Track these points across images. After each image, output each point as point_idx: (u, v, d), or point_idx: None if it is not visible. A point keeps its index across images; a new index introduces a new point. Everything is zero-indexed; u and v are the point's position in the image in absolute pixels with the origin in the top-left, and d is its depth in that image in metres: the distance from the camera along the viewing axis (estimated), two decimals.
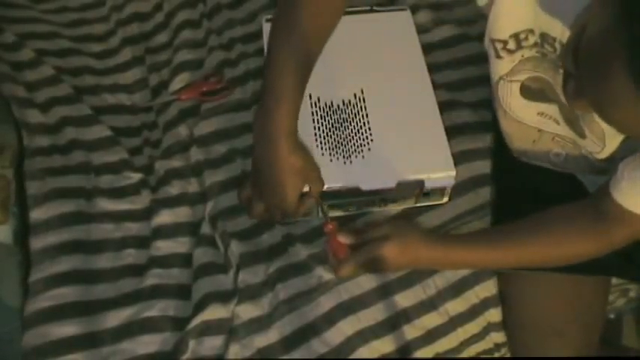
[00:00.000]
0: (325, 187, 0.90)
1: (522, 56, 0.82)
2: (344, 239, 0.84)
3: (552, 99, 0.85)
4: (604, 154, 0.84)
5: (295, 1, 0.82)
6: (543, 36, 0.78)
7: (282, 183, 0.83)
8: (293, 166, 0.82)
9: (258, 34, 1.14)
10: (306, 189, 0.87)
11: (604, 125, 0.78)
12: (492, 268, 0.94)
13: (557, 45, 0.77)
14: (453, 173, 0.93)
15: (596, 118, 0.77)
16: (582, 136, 0.84)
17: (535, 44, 0.80)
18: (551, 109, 0.87)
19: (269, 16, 1.15)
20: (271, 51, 0.83)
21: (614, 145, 0.81)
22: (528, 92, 0.87)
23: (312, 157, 0.88)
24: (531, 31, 0.78)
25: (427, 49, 1.14)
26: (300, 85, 0.83)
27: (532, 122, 0.91)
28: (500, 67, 0.85)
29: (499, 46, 0.82)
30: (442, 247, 0.83)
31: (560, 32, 0.74)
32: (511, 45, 0.81)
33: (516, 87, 0.87)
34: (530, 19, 0.77)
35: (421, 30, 1.15)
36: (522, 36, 0.80)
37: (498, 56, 0.84)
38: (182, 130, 1.10)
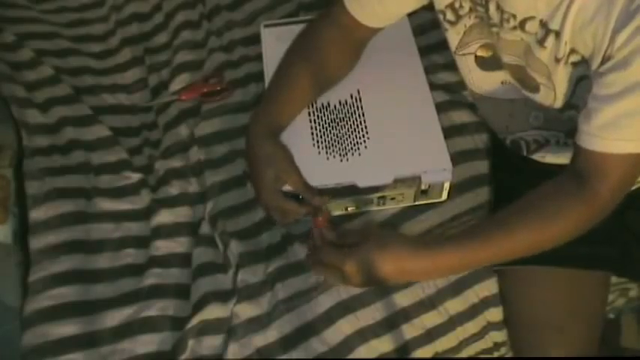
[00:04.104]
0: (322, 184, 0.91)
1: (465, 26, 0.84)
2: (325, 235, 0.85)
3: (504, 64, 0.86)
4: (559, 99, 0.83)
5: (319, 35, 0.94)
6: None
7: (253, 174, 0.91)
8: (258, 154, 0.89)
9: (258, 37, 1.15)
10: (287, 188, 0.89)
11: (544, 59, 0.77)
12: (486, 265, 0.92)
13: (483, 2, 0.79)
14: (450, 168, 0.94)
15: (535, 52, 0.77)
16: (536, 89, 0.84)
17: (470, 10, 0.82)
18: (508, 76, 0.88)
19: (267, 22, 1.15)
20: (283, 69, 0.95)
21: (560, 81, 0.79)
22: (484, 63, 0.88)
23: (286, 151, 0.91)
24: None
25: (426, 50, 1.14)
26: (294, 98, 0.95)
27: (498, 93, 0.91)
28: (451, 40, 0.88)
29: (441, 17, 0.86)
30: (423, 257, 0.79)
31: None
32: (450, 16, 0.84)
33: (471, 60, 0.88)
34: None
35: (419, 32, 1.15)
36: (457, 5, 0.83)
37: (446, 29, 0.87)
38: (182, 131, 1.10)
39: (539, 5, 0.73)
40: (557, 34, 0.73)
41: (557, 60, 0.76)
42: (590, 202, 0.76)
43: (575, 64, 0.76)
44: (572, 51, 0.74)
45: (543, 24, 0.74)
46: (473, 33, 0.85)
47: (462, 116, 1.09)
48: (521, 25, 0.76)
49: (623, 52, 0.66)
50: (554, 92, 0.82)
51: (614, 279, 1.01)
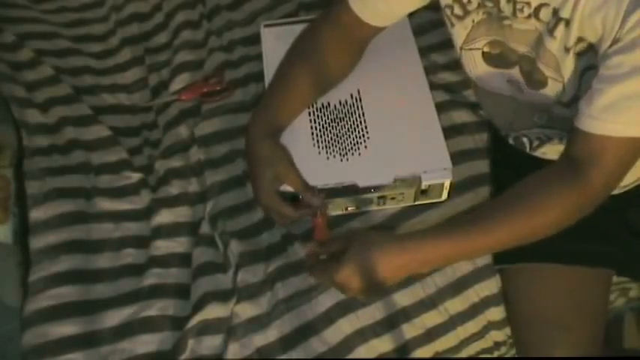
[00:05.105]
0: (322, 184, 0.91)
1: (473, 21, 0.84)
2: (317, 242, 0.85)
3: (512, 61, 0.86)
4: (567, 93, 0.83)
5: (320, 35, 0.94)
6: None
7: (252, 174, 0.91)
8: (257, 154, 0.89)
9: (258, 37, 1.15)
10: (286, 188, 0.89)
11: (554, 49, 0.78)
12: (482, 255, 0.93)
13: None
14: (450, 168, 0.94)
15: (546, 43, 0.78)
16: (544, 84, 0.84)
17: (479, 5, 0.82)
18: (515, 73, 0.88)
19: (267, 22, 1.15)
20: (283, 70, 0.94)
21: (569, 72, 0.79)
22: (491, 59, 0.88)
23: (285, 151, 0.91)
24: None
25: (426, 50, 1.14)
26: (293, 99, 0.95)
27: (503, 90, 0.91)
28: (457, 36, 0.88)
29: (448, 12, 0.85)
30: (414, 248, 0.78)
31: None
32: (457, 10, 0.84)
33: (478, 55, 0.88)
34: None
35: (419, 32, 1.15)
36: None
37: (452, 25, 0.87)
38: (182, 130, 1.10)
39: None
40: (567, 23, 0.73)
41: (567, 50, 0.76)
42: (582, 190, 0.75)
43: (581, 54, 0.76)
44: (580, 39, 0.74)
45: (555, 12, 0.74)
46: (481, 29, 0.85)
47: (462, 116, 1.09)
48: (536, 12, 0.76)
49: (632, 35, 0.66)
50: (562, 85, 0.81)
51: (614, 279, 1.01)
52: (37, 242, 0.94)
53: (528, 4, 0.76)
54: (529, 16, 0.77)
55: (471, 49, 0.88)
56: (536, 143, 0.96)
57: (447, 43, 1.19)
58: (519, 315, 0.94)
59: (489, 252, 0.93)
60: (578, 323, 0.90)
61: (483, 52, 0.87)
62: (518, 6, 0.77)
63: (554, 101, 0.85)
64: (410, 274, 0.84)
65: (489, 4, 0.81)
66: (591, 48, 0.74)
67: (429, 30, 1.20)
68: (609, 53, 0.69)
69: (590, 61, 0.75)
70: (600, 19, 0.69)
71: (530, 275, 0.92)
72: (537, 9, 0.76)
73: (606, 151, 0.73)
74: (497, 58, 0.87)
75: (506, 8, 0.79)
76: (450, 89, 1.13)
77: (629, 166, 0.77)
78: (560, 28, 0.75)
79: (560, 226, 0.78)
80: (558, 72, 0.80)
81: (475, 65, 0.90)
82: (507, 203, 0.79)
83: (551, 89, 0.84)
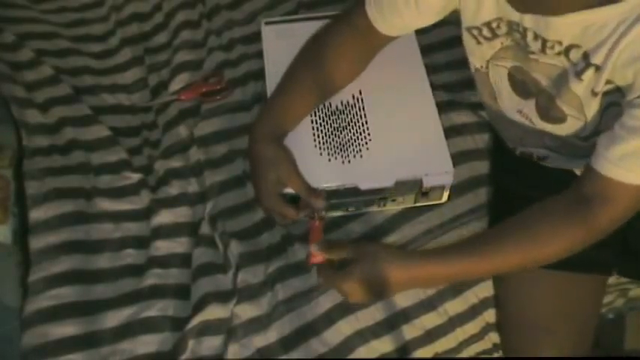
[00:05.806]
0: (324, 186, 0.91)
1: (502, 44, 0.84)
2: (317, 250, 0.85)
3: (533, 92, 0.85)
4: (588, 129, 0.82)
5: (327, 41, 0.94)
6: (509, 23, 0.79)
7: (254, 176, 0.91)
8: (260, 154, 0.89)
9: (257, 36, 1.15)
10: (289, 190, 0.89)
11: (579, 91, 0.77)
12: (476, 278, 0.94)
13: (520, 29, 0.78)
14: (451, 171, 0.94)
15: (571, 84, 0.77)
16: (562, 120, 0.84)
17: (507, 32, 0.81)
18: (529, 107, 0.87)
19: (268, 20, 1.15)
20: (292, 71, 0.94)
21: (593, 112, 0.79)
22: (514, 82, 0.87)
23: (288, 154, 0.91)
24: (501, 19, 0.80)
25: (427, 50, 1.14)
26: (300, 103, 0.95)
27: (512, 115, 0.91)
28: (484, 52, 0.87)
29: (475, 32, 0.85)
30: (418, 267, 0.80)
31: (519, 16, 0.76)
32: (486, 32, 0.83)
33: (504, 72, 0.88)
34: (494, 8, 0.79)
35: (420, 31, 1.15)
36: (494, 24, 0.82)
37: (479, 42, 0.86)
38: (182, 131, 1.10)
39: (586, 37, 0.72)
40: (598, 69, 0.73)
41: (595, 94, 0.76)
42: (587, 227, 0.76)
43: (607, 93, 0.75)
44: (608, 82, 0.73)
45: (585, 55, 0.73)
46: (508, 53, 0.84)
47: (462, 116, 1.09)
48: (566, 51, 0.75)
49: None
50: (584, 122, 0.81)
51: (614, 279, 1.01)
52: (37, 242, 0.94)
53: (560, 42, 0.75)
54: (559, 54, 0.76)
55: (498, 65, 0.87)
56: (543, 157, 0.95)
57: (448, 43, 1.19)
58: (507, 317, 0.94)
59: (492, 275, 0.94)
60: (565, 327, 0.90)
61: (509, 73, 0.87)
62: (549, 44, 0.76)
63: (571, 136, 0.85)
64: (414, 288, 0.87)
65: (517, 36, 0.80)
66: (618, 90, 0.73)
67: (429, 29, 1.19)
68: (636, 103, 0.69)
69: (614, 99, 0.75)
70: (633, 71, 0.69)
71: (519, 278, 0.91)
72: (568, 48, 0.75)
73: (618, 195, 0.73)
74: (519, 83, 0.86)
75: (534, 44, 0.78)
76: (450, 89, 1.13)
77: (634, 211, 0.77)
78: (589, 73, 0.74)
79: (562, 257, 0.79)
80: (581, 112, 0.80)
81: (500, 80, 0.89)
82: (514, 232, 0.80)
83: (571, 126, 0.83)
